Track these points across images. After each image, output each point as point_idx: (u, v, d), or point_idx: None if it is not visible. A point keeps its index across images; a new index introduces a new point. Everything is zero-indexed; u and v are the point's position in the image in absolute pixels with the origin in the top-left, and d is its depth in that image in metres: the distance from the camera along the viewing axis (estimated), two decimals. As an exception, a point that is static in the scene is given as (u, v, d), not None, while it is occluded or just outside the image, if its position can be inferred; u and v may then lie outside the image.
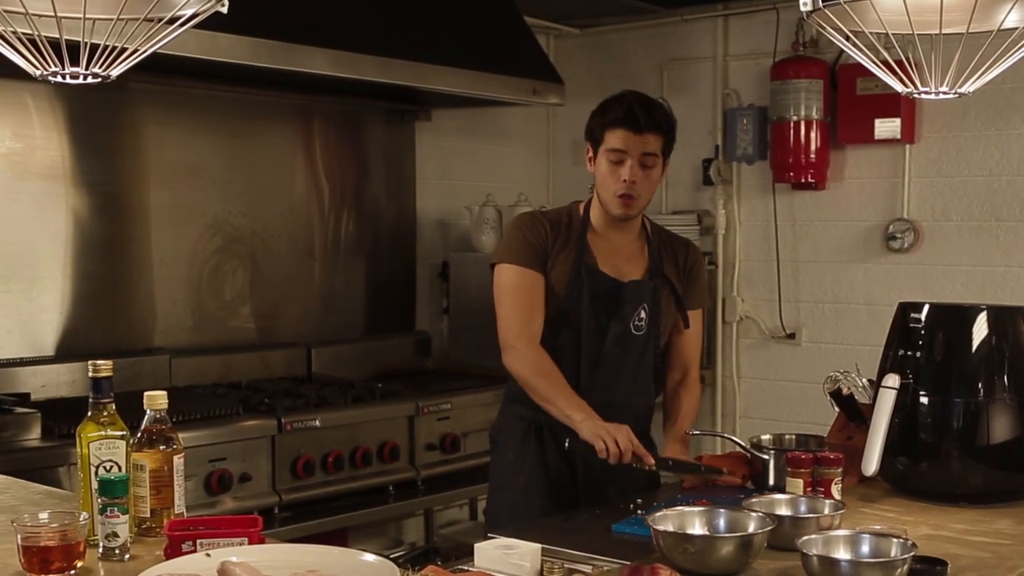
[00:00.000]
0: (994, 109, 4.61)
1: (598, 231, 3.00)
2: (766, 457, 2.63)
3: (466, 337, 4.97)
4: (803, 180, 4.94)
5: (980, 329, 2.58)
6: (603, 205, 2.95)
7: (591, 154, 2.96)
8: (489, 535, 2.47)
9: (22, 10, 1.75)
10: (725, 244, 5.28)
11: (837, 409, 2.81)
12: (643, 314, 2.95)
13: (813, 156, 4.88)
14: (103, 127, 4.10)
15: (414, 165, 5.11)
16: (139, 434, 2.15)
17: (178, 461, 2.16)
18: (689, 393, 3.09)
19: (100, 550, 2.02)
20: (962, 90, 2.09)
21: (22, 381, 3.77)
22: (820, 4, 1.98)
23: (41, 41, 1.84)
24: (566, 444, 2.80)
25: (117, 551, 2.01)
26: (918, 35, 1.96)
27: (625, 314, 2.93)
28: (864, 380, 2.73)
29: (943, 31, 1.93)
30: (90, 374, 2.16)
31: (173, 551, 1.97)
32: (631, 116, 2.86)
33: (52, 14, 1.74)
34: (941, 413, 2.58)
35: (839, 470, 2.46)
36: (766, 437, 2.75)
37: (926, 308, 2.65)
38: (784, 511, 2.26)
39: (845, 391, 2.73)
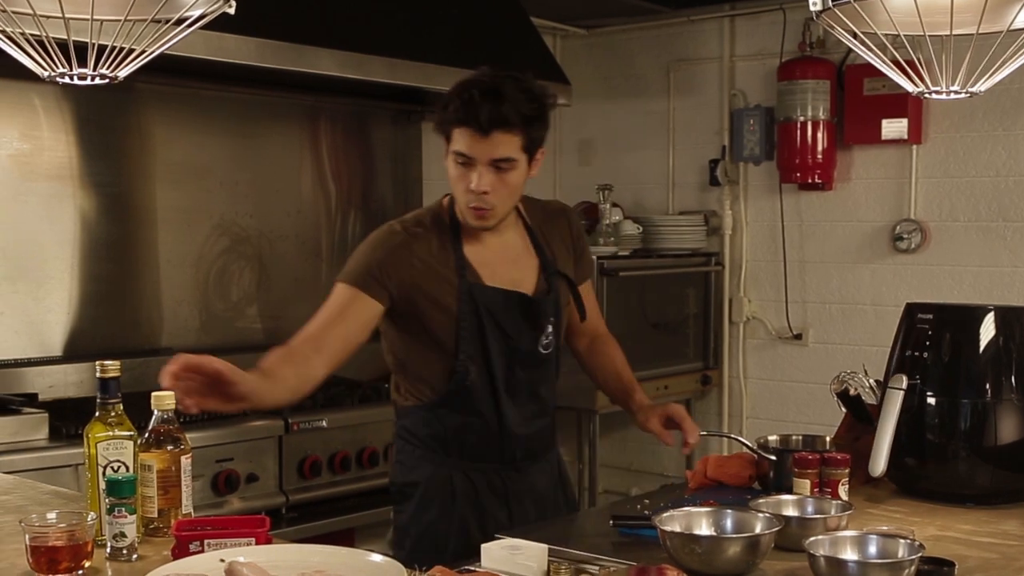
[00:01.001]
0: (1002, 109, 4.60)
1: (473, 236, 2.55)
2: (773, 458, 2.62)
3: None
4: (810, 180, 4.94)
5: (987, 330, 2.58)
6: (458, 212, 2.54)
7: (446, 148, 2.50)
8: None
9: (30, 11, 1.75)
10: (732, 245, 5.27)
11: (844, 410, 2.81)
12: (550, 329, 2.61)
13: (820, 156, 4.88)
14: (110, 128, 4.11)
15: (421, 166, 5.11)
16: (147, 434, 2.15)
17: (185, 461, 2.16)
18: (608, 345, 2.80)
19: (108, 550, 2.02)
20: (973, 90, 2.09)
21: (30, 381, 3.78)
22: (830, 4, 1.98)
23: (49, 42, 1.84)
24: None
25: (125, 551, 2.02)
26: (929, 35, 1.96)
27: (530, 336, 2.57)
28: (871, 381, 2.73)
29: (954, 31, 1.93)
30: (98, 374, 2.17)
31: (180, 551, 1.97)
32: (471, 113, 2.38)
33: (60, 15, 1.74)
34: (948, 414, 2.58)
35: (846, 471, 2.45)
36: (773, 438, 2.74)
37: (933, 309, 2.65)
38: (791, 512, 2.26)
39: (852, 392, 2.73)
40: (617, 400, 2.85)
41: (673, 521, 2.11)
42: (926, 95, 2.14)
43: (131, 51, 1.89)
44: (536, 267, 2.62)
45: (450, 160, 2.46)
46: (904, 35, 2.01)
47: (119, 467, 2.10)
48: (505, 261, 2.58)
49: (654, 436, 2.69)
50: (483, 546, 2.07)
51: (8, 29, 1.83)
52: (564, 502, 2.76)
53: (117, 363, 2.16)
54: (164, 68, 3.10)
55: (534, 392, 2.64)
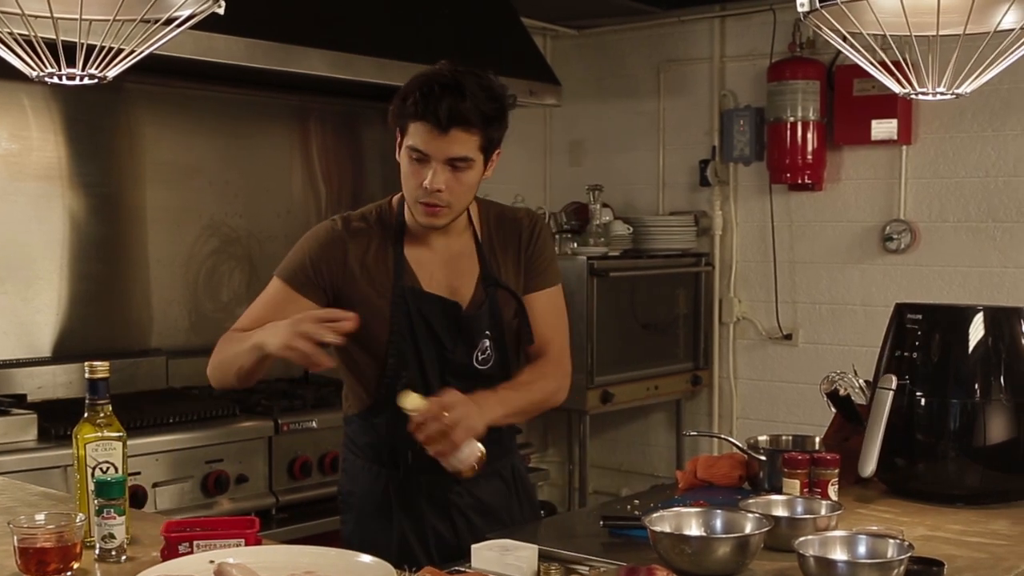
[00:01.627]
0: (991, 110, 4.61)
1: (419, 237, 2.46)
2: (763, 458, 2.62)
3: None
4: (800, 181, 4.95)
5: (976, 330, 2.58)
6: (408, 208, 2.45)
7: (398, 141, 2.40)
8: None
9: (18, 11, 1.75)
10: (722, 245, 5.28)
11: (834, 410, 2.81)
12: (486, 343, 2.47)
13: (810, 157, 4.89)
14: (99, 128, 4.10)
15: (411, 166, 5.10)
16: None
17: None
18: (532, 369, 2.52)
19: (97, 551, 2.02)
20: (959, 91, 2.09)
21: (18, 382, 3.77)
22: (817, 5, 1.98)
23: (37, 42, 1.84)
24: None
25: (114, 552, 2.01)
26: (915, 36, 1.96)
27: (462, 350, 2.45)
28: (861, 381, 2.73)
29: (940, 32, 1.93)
30: (87, 375, 2.16)
31: (170, 552, 1.97)
32: (430, 108, 2.28)
33: (48, 15, 1.74)
34: (938, 414, 2.58)
35: (836, 471, 2.46)
36: (763, 438, 2.75)
37: (923, 309, 2.66)
38: (781, 512, 2.26)
39: (842, 392, 2.73)
40: None
41: (663, 521, 2.11)
42: (913, 96, 2.14)
43: (120, 51, 1.88)
44: (476, 276, 2.50)
45: (404, 155, 2.37)
46: (891, 36, 2.01)
47: (108, 468, 2.09)
48: (445, 267, 2.49)
49: None
50: (473, 547, 2.06)
51: (-4, 29, 1.83)
52: (521, 511, 2.63)
53: (106, 364, 2.15)
54: (153, 68, 3.09)
55: None
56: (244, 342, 2.37)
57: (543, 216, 2.72)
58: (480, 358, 2.48)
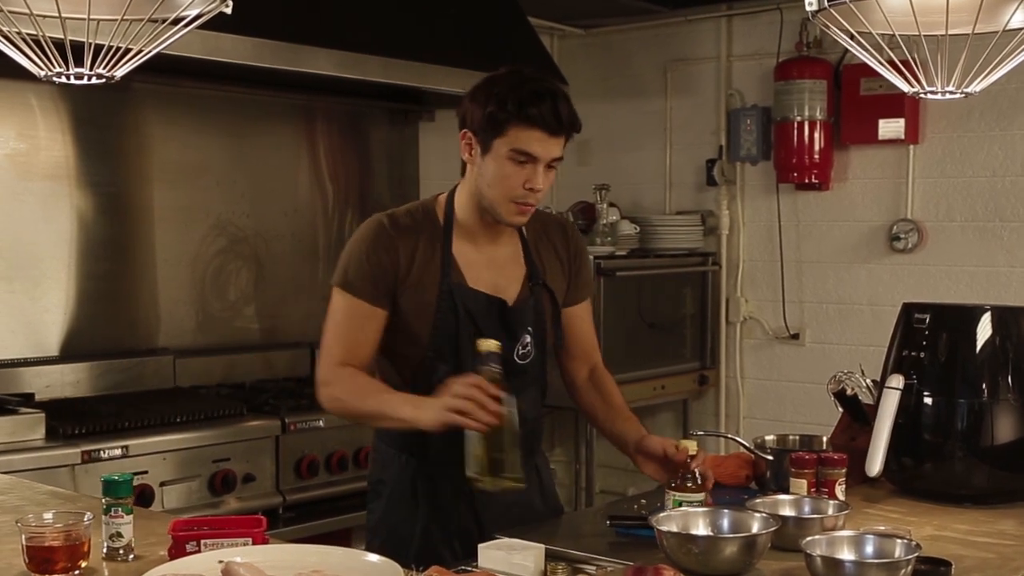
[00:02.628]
0: (998, 109, 4.60)
1: (465, 237, 2.53)
2: (770, 458, 2.62)
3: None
4: (807, 180, 4.94)
5: (984, 330, 2.58)
6: (490, 208, 2.46)
7: (473, 142, 2.44)
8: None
9: (27, 11, 1.75)
10: (729, 245, 5.27)
11: (841, 410, 2.81)
12: (528, 339, 2.55)
13: (817, 156, 4.88)
14: (107, 127, 4.11)
15: (417, 165, 5.11)
16: None
17: None
18: (607, 380, 2.72)
19: (104, 550, 2.02)
20: (968, 90, 2.09)
21: (26, 381, 3.78)
22: (825, 4, 1.98)
23: (45, 42, 1.84)
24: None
25: (121, 551, 2.02)
26: (924, 35, 1.96)
27: (505, 342, 2.46)
28: (868, 381, 2.73)
29: (949, 31, 1.93)
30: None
31: (177, 551, 1.97)
32: (554, 115, 2.38)
33: (56, 15, 1.74)
34: (945, 414, 2.58)
35: (843, 471, 2.45)
36: (770, 438, 2.75)
37: (930, 309, 2.65)
38: (788, 512, 2.26)
39: (849, 392, 2.73)
40: (612, 438, 2.72)
41: (670, 521, 2.12)
42: (921, 95, 2.14)
43: (128, 51, 1.89)
44: (522, 277, 2.57)
45: (500, 156, 2.40)
46: (899, 35, 2.01)
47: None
48: (492, 267, 2.55)
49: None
50: (480, 546, 2.07)
51: (5, 28, 1.83)
52: (544, 507, 2.67)
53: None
54: (161, 68, 3.09)
55: (524, 412, 2.46)
56: (385, 407, 2.43)
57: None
58: (521, 352, 2.54)
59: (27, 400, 3.62)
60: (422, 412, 2.34)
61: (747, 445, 2.71)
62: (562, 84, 4.70)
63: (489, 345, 2.32)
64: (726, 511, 2.17)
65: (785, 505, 2.30)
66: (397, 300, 2.48)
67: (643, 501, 2.57)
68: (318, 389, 2.52)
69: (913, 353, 2.62)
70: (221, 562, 1.81)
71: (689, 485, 2.26)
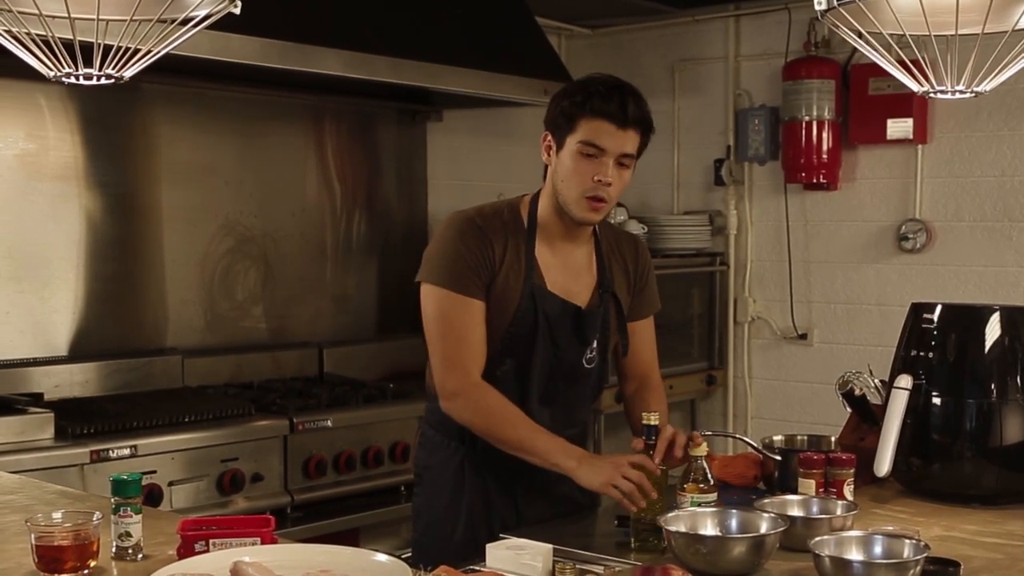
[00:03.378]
0: (1007, 109, 4.59)
1: (547, 239, 2.58)
2: (778, 458, 2.62)
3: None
4: (815, 180, 4.93)
5: (993, 330, 2.58)
6: (564, 206, 2.51)
7: (551, 142, 2.52)
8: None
9: (36, 11, 1.76)
10: (737, 245, 5.27)
11: (849, 410, 2.81)
12: (595, 344, 2.62)
13: (825, 156, 4.87)
14: (116, 128, 4.11)
15: (426, 165, 5.11)
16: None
17: None
18: (654, 393, 2.75)
19: (113, 550, 2.02)
20: (978, 89, 2.08)
21: (35, 381, 3.78)
22: (835, 3, 1.98)
23: (55, 42, 1.85)
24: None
25: (130, 551, 2.02)
26: (934, 35, 1.96)
27: (576, 348, 2.59)
28: (876, 381, 2.73)
29: (959, 31, 1.93)
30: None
31: (186, 551, 1.97)
32: (620, 107, 2.45)
33: (65, 15, 1.75)
34: (953, 414, 2.58)
35: (851, 471, 2.45)
36: (778, 438, 2.74)
37: (938, 309, 2.65)
38: (796, 512, 2.26)
39: (857, 392, 2.73)
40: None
41: (678, 521, 2.11)
42: (931, 95, 2.13)
43: (136, 51, 1.89)
44: (593, 284, 2.62)
45: (572, 151, 2.46)
46: (909, 35, 2.01)
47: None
48: (567, 271, 2.59)
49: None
50: (488, 546, 2.07)
51: (14, 29, 1.83)
52: (583, 496, 2.66)
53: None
54: (169, 68, 3.09)
55: (569, 403, 2.64)
56: (534, 444, 2.45)
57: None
58: (588, 357, 2.61)
59: (36, 400, 3.62)
60: (583, 472, 2.38)
61: (755, 445, 2.70)
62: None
63: (651, 419, 2.34)
64: (734, 511, 2.17)
65: (793, 505, 2.30)
66: (489, 293, 2.51)
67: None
68: (447, 399, 2.53)
69: (921, 353, 2.61)
70: (231, 561, 1.81)
71: (702, 485, 2.26)
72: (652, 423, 2.33)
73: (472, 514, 2.59)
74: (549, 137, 2.53)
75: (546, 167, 2.57)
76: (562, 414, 2.63)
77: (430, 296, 2.52)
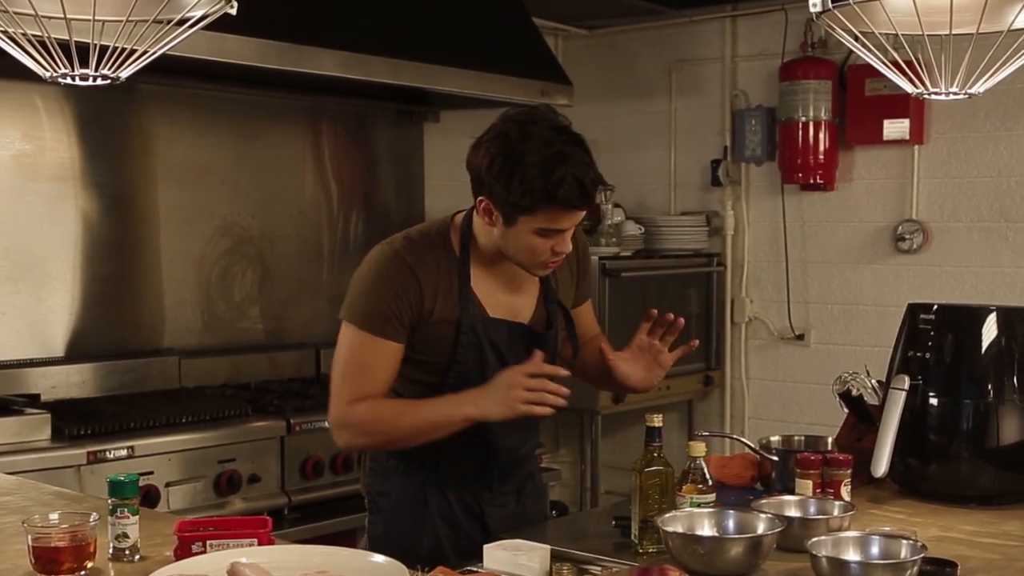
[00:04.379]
0: (1003, 109, 4.60)
1: (482, 259, 2.46)
2: (775, 458, 2.62)
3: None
4: (812, 181, 4.93)
5: (989, 330, 2.58)
6: (511, 259, 2.41)
7: (493, 210, 2.34)
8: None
9: (32, 12, 1.76)
10: (734, 245, 5.27)
11: (846, 410, 2.81)
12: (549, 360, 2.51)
13: (822, 157, 4.87)
14: (112, 129, 4.11)
15: (423, 166, 5.11)
16: None
17: None
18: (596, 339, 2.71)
19: (110, 551, 2.02)
20: (972, 91, 2.09)
21: (32, 382, 3.78)
22: (830, 5, 1.98)
23: (51, 43, 1.85)
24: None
25: (127, 552, 2.02)
26: (928, 36, 1.96)
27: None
28: (873, 381, 2.73)
29: (953, 32, 1.93)
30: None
31: (183, 552, 1.97)
32: (581, 192, 2.30)
33: (62, 16, 1.74)
34: (950, 414, 2.58)
35: (848, 471, 2.45)
36: (775, 438, 2.74)
37: (935, 309, 2.65)
38: (793, 512, 2.26)
39: (854, 392, 2.73)
40: (594, 367, 2.69)
41: (675, 522, 2.11)
42: (926, 96, 2.14)
43: (133, 52, 1.89)
44: (536, 295, 2.55)
45: (528, 232, 2.33)
46: (903, 35, 2.01)
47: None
48: (508, 288, 2.50)
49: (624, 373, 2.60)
50: (485, 547, 2.07)
51: (10, 30, 1.83)
52: (535, 517, 2.69)
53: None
54: (166, 69, 3.10)
55: (526, 422, 2.52)
56: (421, 414, 2.39)
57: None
58: None
59: (33, 401, 3.62)
60: (486, 409, 2.34)
61: (752, 446, 2.71)
62: (566, 85, 4.72)
63: (655, 420, 2.33)
64: (731, 512, 2.17)
65: (790, 506, 2.30)
66: (419, 331, 2.41)
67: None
68: (336, 433, 2.46)
69: (918, 354, 2.62)
70: (227, 562, 1.81)
71: (700, 486, 2.26)
72: (655, 425, 2.32)
73: (438, 538, 2.50)
74: (488, 203, 2.35)
75: (479, 215, 2.41)
76: (521, 433, 2.55)
77: (345, 334, 2.43)
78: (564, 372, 2.37)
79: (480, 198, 2.37)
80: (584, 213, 2.37)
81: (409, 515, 2.53)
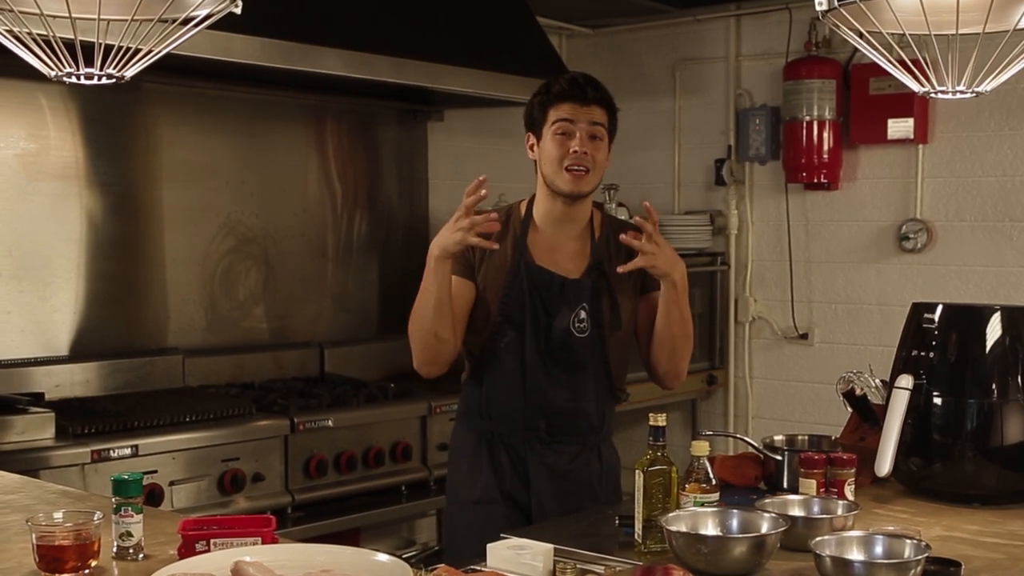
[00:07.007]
0: (1008, 109, 4.59)
1: (540, 229, 2.85)
2: (779, 458, 2.62)
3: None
4: (816, 180, 4.94)
5: (993, 330, 2.58)
6: (552, 185, 2.79)
7: (533, 141, 2.83)
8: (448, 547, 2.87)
9: (37, 11, 1.76)
10: (738, 244, 5.27)
11: (850, 410, 2.81)
12: (583, 315, 2.79)
13: (826, 156, 4.88)
14: (117, 128, 4.11)
15: (426, 165, 5.11)
16: None
17: None
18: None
19: (114, 549, 2.03)
20: (979, 89, 2.08)
21: (36, 381, 3.79)
22: (836, 3, 1.98)
23: (56, 42, 1.85)
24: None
25: (131, 550, 2.02)
26: (934, 35, 1.96)
27: (564, 314, 2.77)
28: (877, 380, 2.73)
29: (959, 31, 1.93)
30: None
31: (187, 551, 1.98)
32: (580, 89, 2.79)
33: (67, 15, 1.75)
34: (954, 414, 2.57)
35: (852, 471, 2.45)
36: (779, 438, 2.74)
37: (939, 308, 2.65)
38: (797, 512, 2.26)
39: (858, 392, 2.73)
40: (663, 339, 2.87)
41: (679, 521, 2.11)
42: (932, 95, 2.14)
43: (137, 51, 1.89)
44: (584, 266, 2.83)
45: (549, 135, 2.77)
46: (910, 34, 2.01)
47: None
48: (559, 252, 2.83)
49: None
50: (489, 546, 2.07)
51: (15, 29, 1.83)
52: (601, 493, 2.88)
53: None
54: (170, 68, 3.10)
55: (569, 372, 2.79)
56: (424, 295, 2.71)
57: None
58: (578, 325, 2.79)
59: (37, 400, 3.62)
60: (436, 243, 2.65)
61: (756, 445, 2.71)
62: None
63: (659, 420, 2.35)
64: (735, 511, 2.17)
65: (794, 505, 2.30)
66: (480, 276, 2.79)
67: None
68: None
69: (922, 353, 2.61)
70: (231, 560, 1.81)
71: (704, 485, 2.26)
72: (659, 424, 2.32)
73: (486, 486, 2.80)
74: (531, 137, 2.85)
75: (535, 164, 2.85)
76: (563, 382, 2.80)
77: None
78: (493, 215, 2.65)
79: (526, 135, 2.85)
80: (593, 114, 2.78)
81: (466, 464, 2.86)
